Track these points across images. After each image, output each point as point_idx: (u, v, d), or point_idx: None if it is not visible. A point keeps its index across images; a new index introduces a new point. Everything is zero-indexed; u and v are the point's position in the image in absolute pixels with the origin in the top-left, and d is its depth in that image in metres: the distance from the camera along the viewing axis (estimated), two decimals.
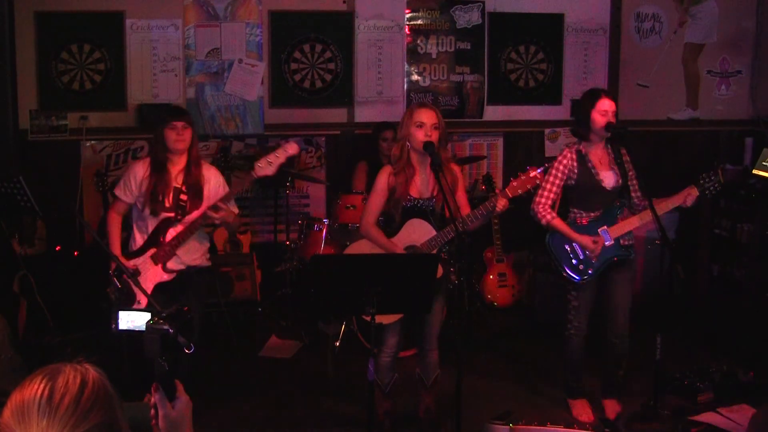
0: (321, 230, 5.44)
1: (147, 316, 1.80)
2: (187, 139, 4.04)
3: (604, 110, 4.12)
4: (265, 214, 6.35)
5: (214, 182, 4.18)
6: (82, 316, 5.05)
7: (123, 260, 4.03)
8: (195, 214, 4.05)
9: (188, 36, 6.12)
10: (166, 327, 1.77)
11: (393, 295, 3.37)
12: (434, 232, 3.85)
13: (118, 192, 4.18)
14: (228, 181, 5.95)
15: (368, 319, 3.33)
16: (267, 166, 3.96)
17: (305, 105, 6.37)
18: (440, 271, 3.83)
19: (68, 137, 5.98)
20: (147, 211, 4.05)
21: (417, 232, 3.89)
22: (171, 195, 4.05)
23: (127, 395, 1.57)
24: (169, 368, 1.75)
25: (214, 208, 3.96)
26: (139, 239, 4.12)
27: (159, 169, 4.05)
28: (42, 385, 1.38)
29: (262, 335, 5.60)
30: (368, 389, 3.35)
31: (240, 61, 6.22)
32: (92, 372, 1.44)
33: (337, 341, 5.16)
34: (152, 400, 1.76)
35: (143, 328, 1.80)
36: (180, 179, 4.08)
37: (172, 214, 4.04)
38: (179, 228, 4.04)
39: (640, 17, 6.77)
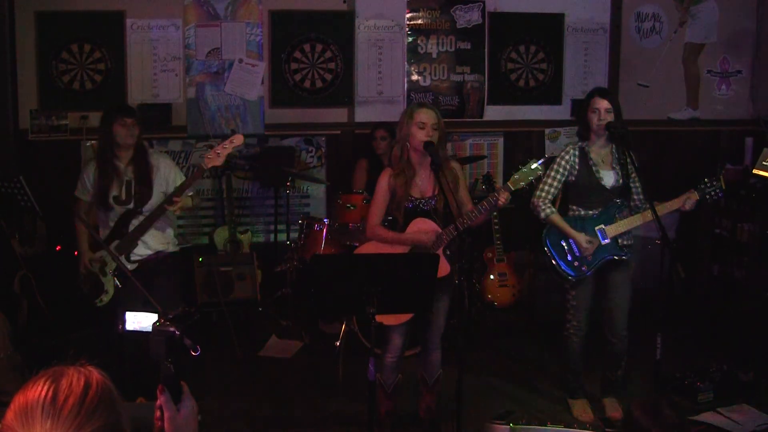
0: (321, 230, 5.44)
1: (153, 317, 1.80)
2: (135, 134, 4.22)
3: (595, 108, 4.15)
4: (266, 214, 6.35)
5: (163, 168, 4.32)
6: (82, 316, 5.04)
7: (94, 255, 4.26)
8: (151, 204, 4.24)
9: (188, 36, 6.12)
10: (171, 329, 1.77)
11: (393, 295, 3.37)
12: (439, 230, 3.86)
13: (77, 193, 4.37)
14: (229, 181, 6.01)
15: (379, 320, 3.34)
16: (216, 157, 4.11)
17: (305, 105, 6.37)
18: (446, 268, 3.83)
19: (68, 137, 5.98)
20: (103, 206, 4.22)
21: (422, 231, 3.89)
22: (123, 188, 4.22)
23: (126, 395, 1.57)
24: (175, 370, 1.75)
25: (169, 202, 4.12)
26: (101, 233, 4.27)
27: (106, 166, 4.22)
28: (45, 387, 1.38)
29: (262, 335, 5.59)
30: (369, 389, 3.35)
31: (240, 60, 6.21)
32: (96, 374, 1.44)
33: (337, 341, 5.15)
34: (157, 402, 1.74)
35: (149, 329, 1.79)
36: (129, 172, 4.25)
37: (131, 206, 4.22)
38: (140, 218, 4.23)
39: (640, 17, 6.77)
